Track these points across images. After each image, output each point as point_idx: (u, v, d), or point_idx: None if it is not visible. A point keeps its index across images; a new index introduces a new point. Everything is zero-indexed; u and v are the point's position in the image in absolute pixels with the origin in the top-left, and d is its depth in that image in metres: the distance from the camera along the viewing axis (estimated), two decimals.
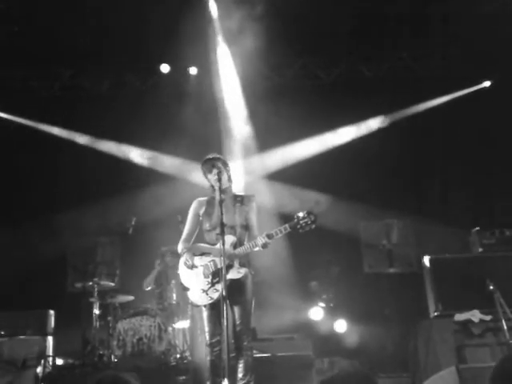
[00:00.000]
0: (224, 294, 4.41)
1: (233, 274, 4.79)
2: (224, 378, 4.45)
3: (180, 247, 5.07)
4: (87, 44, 8.49)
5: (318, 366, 7.07)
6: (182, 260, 5.01)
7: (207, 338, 4.88)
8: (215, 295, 4.79)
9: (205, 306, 4.88)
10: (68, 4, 8.02)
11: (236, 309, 4.84)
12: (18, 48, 8.56)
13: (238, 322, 4.82)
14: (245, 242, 4.92)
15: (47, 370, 6.69)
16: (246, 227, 5.03)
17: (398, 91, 9.25)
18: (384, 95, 9.16)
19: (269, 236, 4.73)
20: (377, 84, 9.36)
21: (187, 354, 6.96)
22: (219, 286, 4.72)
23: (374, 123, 9.47)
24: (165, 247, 7.60)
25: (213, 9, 8.67)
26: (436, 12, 8.45)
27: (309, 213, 4.73)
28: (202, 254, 4.95)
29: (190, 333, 7.19)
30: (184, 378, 6.44)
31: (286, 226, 4.75)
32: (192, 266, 4.89)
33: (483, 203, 8.52)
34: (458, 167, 8.96)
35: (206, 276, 4.87)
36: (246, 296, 4.90)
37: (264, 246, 4.75)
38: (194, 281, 4.91)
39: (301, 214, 4.73)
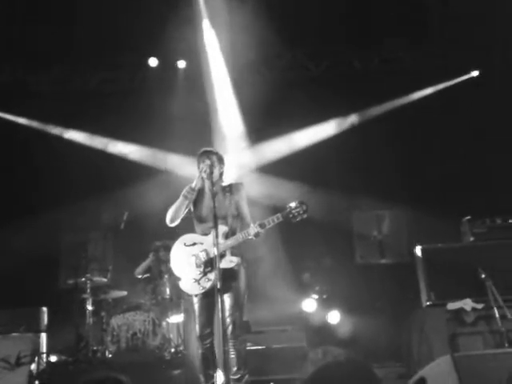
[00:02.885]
0: (219, 286, 4.40)
1: (225, 264, 4.78)
2: (216, 369, 4.47)
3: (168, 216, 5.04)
4: (75, 39, 8.43)
5: (312, 357, 7.11)
6: (176, 245, 5.01)
7: (197, 330, 4.89)
8: (207, 285, 4.81)
9: (196, 295, 4.89)
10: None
11: (226, 298, 4.80)
12: (7, 44, 8.49)
13: (227, 313, 4.77)
14: (237, 232, 4.92)
15: (41, 367, 6.66)
16: (238, 216, 5.04)
17: (388, 83, 9.25)
18: (374, 86, 9.16)
19: (261, 225, 4.76)
20: (367, 75, 9.37)
21: (181, 348, 6.96)
22: (211, 276, 4.77)
23: (364, 114, 9.49)
24: (159, 242, 7.58)
25: (201, 1, 8.63)
26: (427, 2, 8.47)
27: (301, 202, 4.81)
28: (194, 244, 4.96)
29: (184, 327, 7.19)
30: (179, 371, 6.44)
31: (279, 215, 4.79)
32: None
33: (474, 192, 8.55)
34: (449, 157, 8.98)
35: (197, 266, 4.89)
36: (237, 285, 4.89)
37: (256, 235, 4.78)
38: (186, 270, 4.92)
39: (293, 204, 4.80)
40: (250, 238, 4.81)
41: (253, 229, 4.77)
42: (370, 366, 3.31)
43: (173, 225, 5.06)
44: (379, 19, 8.56)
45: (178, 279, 4.98)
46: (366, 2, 8.30)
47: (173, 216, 5.01)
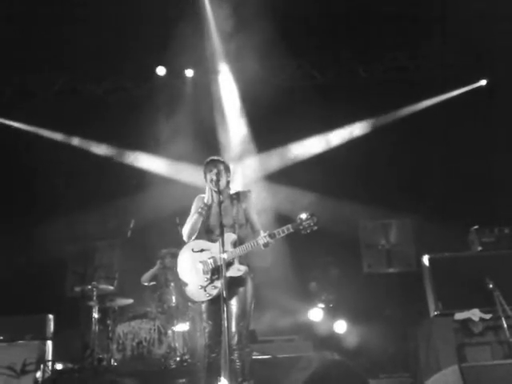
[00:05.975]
0: (224, 295, 4.38)
1: (232, 272, 4.77)
2: (220, 377, 4.45)
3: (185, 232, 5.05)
4: (82, 47, 8.47)
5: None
6: (183, 250, 5.00)
7: (206, 338, 4.85)
8: (214, 292, 4.78)
9: (202, 302, 4.87)
10: (63, 8, 8.02)
11: (233, 307, 4.79)
12: (14, 51, 8.54)
13: (233, 323, 4.75)
14: (245, 240, 4.90)
15: (47, 375, 6.65)
16: (246, 224, 5.04)
17: (393, 91, 9.25)
18: (380, 95, 9.16)
19: (271, 235, 4.74)
20: (373, 84, 9.38)
21: (187, 357, 6.92)
22: (218, 283, 4.73)
23: (370, 123, 9.48)
24: (165, 249, 7.57)
25: (208, 11, 8.68)
26: (431, 12, 8.46)
27: (311, 215, 4.75)
28: (202, 251, 4.95)
29: (189, 335, 7.16)
30: (184, 381, 6.41)
31: (289, 226, 4.75)
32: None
33: (482, 201, 8.51)
34: (455, 165, 8.95)
35: (205, 272, 4.86)
36: (244, 294, 4.86)
37: (265, 245, 4.76)
38: (193, 276, 4.90)
39: (303, 216, 4.74)
40: (258, 247, 4.79)
41: (262, 238, 4.75)
42: (356, 367, 3.29)
43: (190, 240, 5.07)
44: (384, 28, 8.56)
45: (185, 285, 4.95)
46: (371, 11, 8.29)
47: (190, 233, 5.03)
